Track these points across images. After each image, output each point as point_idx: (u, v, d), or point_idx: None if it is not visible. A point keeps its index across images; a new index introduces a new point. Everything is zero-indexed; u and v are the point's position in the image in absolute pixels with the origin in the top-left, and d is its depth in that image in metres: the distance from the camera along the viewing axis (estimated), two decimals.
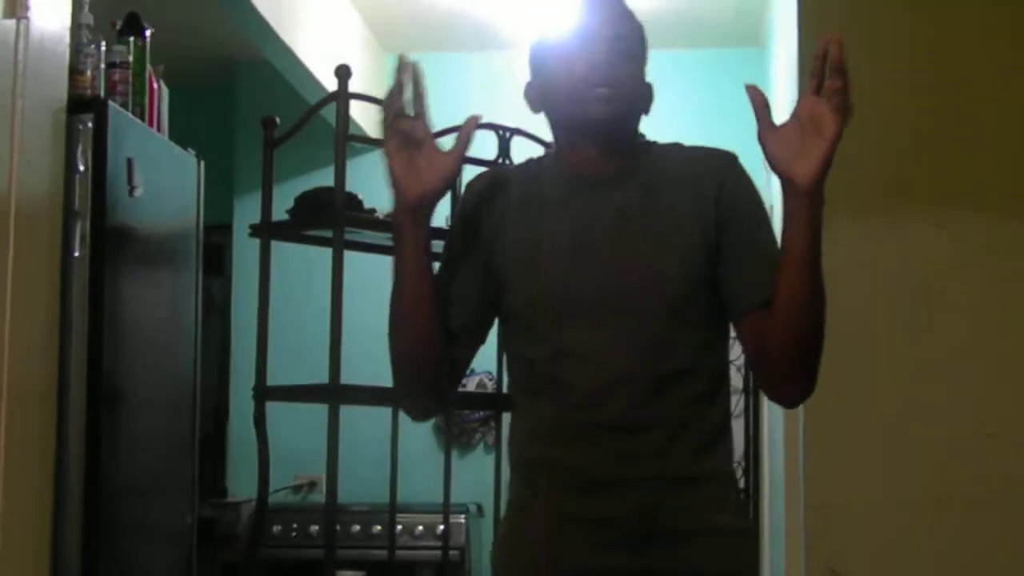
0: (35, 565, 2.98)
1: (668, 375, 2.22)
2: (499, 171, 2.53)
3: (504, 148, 3.97)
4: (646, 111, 2.35)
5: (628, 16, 2.32)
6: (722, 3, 5.65)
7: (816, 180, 2.11)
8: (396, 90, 2.19)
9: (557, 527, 2.25)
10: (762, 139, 2.13)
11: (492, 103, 4.03)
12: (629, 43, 2.29)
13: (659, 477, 2.21)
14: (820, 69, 2.08)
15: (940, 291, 4.23)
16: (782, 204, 2.19)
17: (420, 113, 2.20)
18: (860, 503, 4.20)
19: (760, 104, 2.13)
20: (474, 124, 2.21)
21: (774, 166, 2.13)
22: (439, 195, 2.20)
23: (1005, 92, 4.29)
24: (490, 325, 2.36)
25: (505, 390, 3.79)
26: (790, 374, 2.24)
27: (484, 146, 3.96)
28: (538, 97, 2.35)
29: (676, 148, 2.39)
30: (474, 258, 2.32)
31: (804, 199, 2.13)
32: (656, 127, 3.66)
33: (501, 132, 3.95)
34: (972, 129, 4.28)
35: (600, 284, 2.24)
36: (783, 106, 5.03)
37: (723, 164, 2.34)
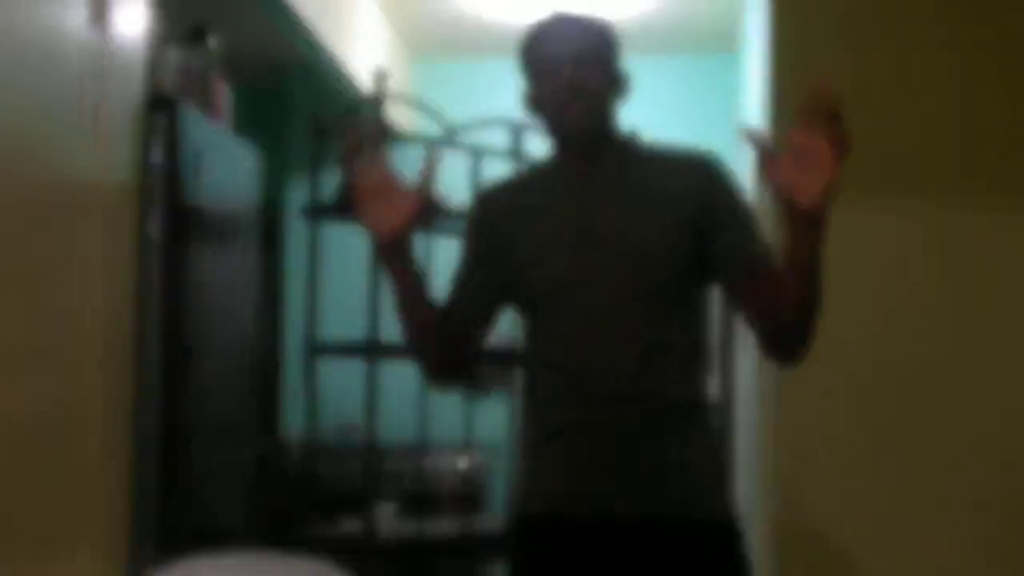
0: (119, 496, 3.00)
1: (656, 347, 2.24)
2: (503, 185, 2.51)
3: (517, 141, 3.96)
4: (624, 97, 2.34)
5: (586, 28, 2.29)
6: (699, 12, 5.57)
7: (816, 212, 1.98)
8: (351, 155, 2.18)
9: (570, 474, 2.26)
10: (764, 174, 2.00)
11: (507, 103, 4.02)
12: (591, 53, 2.26)
13: (651, 428, 2.23)
14: (810, 108, 1.95)
15: (893, 264, 4.23)
16: (785, 223, 2.07)
17: (378, 161, 2.17)
18: (824, 444, 4.21)
19: (761, 143, 2.01)
20: (433, 165, 2.18)
21: (777, 198, 2.01)
22: (408, 231, 2.17)
23: (947, 93, 4.28)
24: (502, 311, 2.39)
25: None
26: (794, 347, 2.25)
27: (500, 140, 3.98)
28: (531, 107, 2.37)
29: (660, 146, 2.38)
30: (487, 261, 2.35)
31: (805, 226, 2.02)
32: (639, 129, 3.62)
33: (515, 127, 3.94)
34: (920, 127, 4.27)
35: (601, 270, 2.25)
36: (756, 106, 5.01)
37: (705, 159, 2.32)
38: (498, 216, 2.35)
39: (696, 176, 2.29)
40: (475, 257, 2.37)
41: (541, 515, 2.30)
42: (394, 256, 2.21)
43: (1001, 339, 4.18)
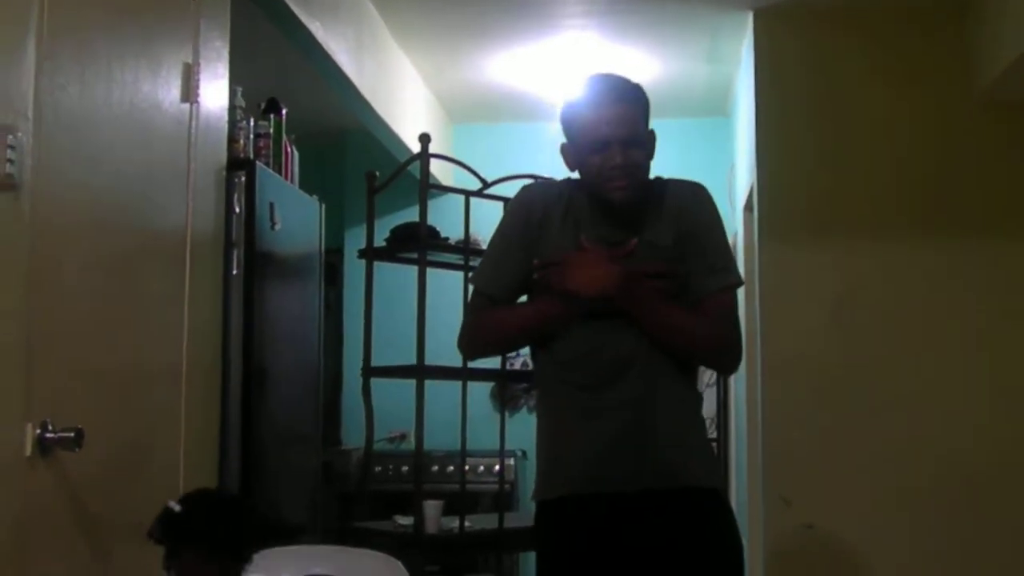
0: None
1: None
2: (541, 185, 2.54)
3: None
4: (651, 156, 2.34)
5: (635, 103, 2.28)
6: (697, 81, 5.59)
7: None
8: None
9: (589, 456, 2.26)
10: None
11: (532, 160, 4.08)
12: (638, 134, 2.27)
13: (652, 402, 2.27)
14: None
15: (860, 293, 4.25)
16: None
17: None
18: (804, 447, 4.22)
19: None
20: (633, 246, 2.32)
21: None
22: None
23: (904, 149, 4.33)
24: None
25: None
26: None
27: None
28: (571, 162, 2.35)
29: (661, 182, 2.39)
30: (520, 248, 2.35)
31: None
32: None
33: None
34: (880, 177, 4.32)
35: None
36: (743, 163, 5.04)
37: (692, 190, 2.37)
38: (532, 211, 2.34)
39: (684, 202, 2.34)
40: (510, 242, 2.37)
41: (563, 497, 2.30)
42: (577, 309, 2.25)
43: (958, 358, 4.20)
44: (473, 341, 2.41)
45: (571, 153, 2.34)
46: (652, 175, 2.37)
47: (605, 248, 2.27)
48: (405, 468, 5.61)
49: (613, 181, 2.24)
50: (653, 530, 2.21)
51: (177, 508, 2.21)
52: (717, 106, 5.94)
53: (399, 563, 2.67)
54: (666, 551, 2.21)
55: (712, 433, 6.00)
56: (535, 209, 2.35)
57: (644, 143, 2.29)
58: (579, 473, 2.26)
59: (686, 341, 2.27)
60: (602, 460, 2.23)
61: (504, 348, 2.40)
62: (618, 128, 2.23)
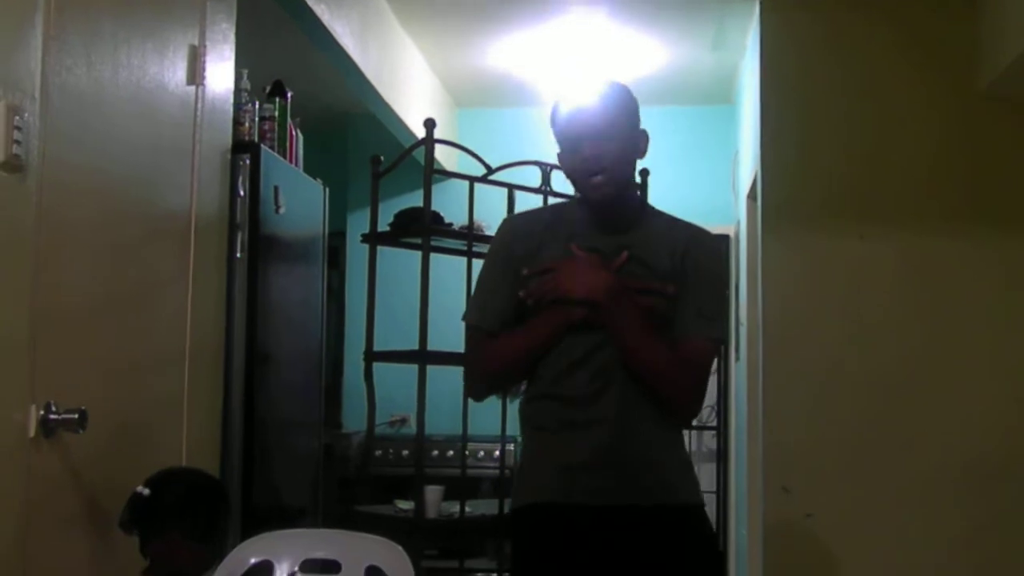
0: None
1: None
2: (523, 214, 2.55)
3: (546, 179, 3.99)
4: (641, 156, 2.34)
5: (609, 99, 2.29)
6: (702, 69, 5.56)
7: None
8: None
9: (563, 468, 2.27)
10: None
11: (537, 146, 4.07)
12: (613, 129, 2.27)
13: (635, 416, 2.26)
14: None
15: (863, 284, 4.25)
16: None
17: None
18: (804, 435, 4.22)
19: None
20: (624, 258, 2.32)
21: None
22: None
23: (910, 139, 4.31)
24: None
25: None
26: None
27: (531, 177, 4.01)
28: (564, 168, 2.37)
29: (667, 216, 2.41)
30: (507, 277, 2.34)
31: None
32: (651, 169, 3.59)
33: (544, 167, 3.97)
34: (886, 167, 4.30)
35: None
36: (748, 151, 5.04)
37: (695, 234, 2.36)
38: (519, 238, 2.35)
39: (683, 243, 2.32)
40: (500, 272, 2.36)
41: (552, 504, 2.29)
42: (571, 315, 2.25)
43: (960, 350, 4.19)
44: (481, 374, 2.40)
45: (561, 162, 2.36)
46: (672, 201, 2.38)
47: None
48: (406, 452, 5.62)
49: (588, 176, 2.25)
50: (633, 544, 2.21)
51: (146, 492, 2.22)
52: (722, 94, 5.93)
53: (399, 547, 2.68)
54: (646, 566, 2.21)
55: (712, 421, 6.01)
56: (518, 237, 2.36)
57: (620, 137, 2.28)
58: (561, 484, 2.26)
59: (650, 369, 2.25)
60: (587, 472, 2.24)
61: (510, 374, 2.37)
62: (588, 124, 2.26)
